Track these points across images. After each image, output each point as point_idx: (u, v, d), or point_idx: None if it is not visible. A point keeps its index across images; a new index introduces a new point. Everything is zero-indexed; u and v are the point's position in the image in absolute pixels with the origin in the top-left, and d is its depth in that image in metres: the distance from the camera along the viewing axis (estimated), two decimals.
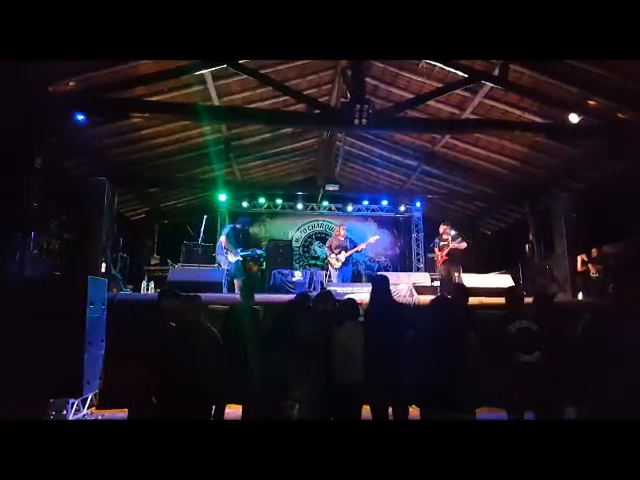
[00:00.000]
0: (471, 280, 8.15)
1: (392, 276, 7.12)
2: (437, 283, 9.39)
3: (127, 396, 4.64)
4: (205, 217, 10.25)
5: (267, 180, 13.84)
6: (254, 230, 14.08)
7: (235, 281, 9.01)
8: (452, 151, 10.93)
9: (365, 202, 13.88)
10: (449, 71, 7.83)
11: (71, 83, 6.47)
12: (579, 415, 4.00)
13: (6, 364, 4.18)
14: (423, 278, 9.42)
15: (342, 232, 10.22)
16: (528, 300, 4.64)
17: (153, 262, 11.50)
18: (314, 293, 6.25)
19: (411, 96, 8.84)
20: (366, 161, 12.99)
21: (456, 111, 9.11)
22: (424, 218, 14.18)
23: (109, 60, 6.28)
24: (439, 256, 9.59)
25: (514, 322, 4.15)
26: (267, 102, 9.09)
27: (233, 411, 4.59)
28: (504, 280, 8.40)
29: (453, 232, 9.51)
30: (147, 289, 9.57)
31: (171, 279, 7.90)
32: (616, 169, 8.90)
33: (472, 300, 6.97)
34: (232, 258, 9.08)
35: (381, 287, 4.49)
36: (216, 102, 8.46)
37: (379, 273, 5.86)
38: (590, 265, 9.19)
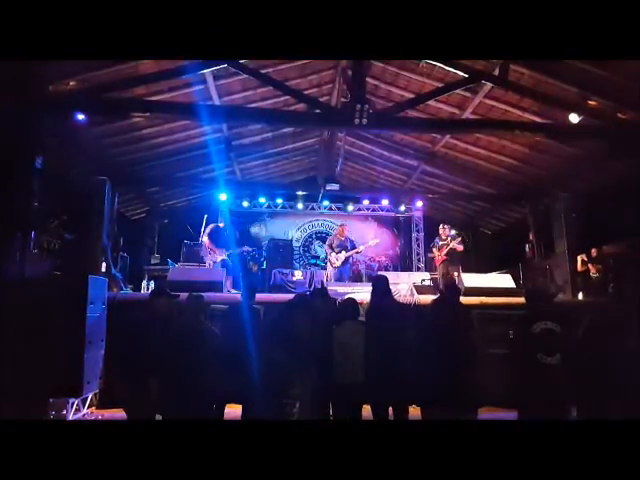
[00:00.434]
0: (471, 280, 8.15)
1: (392, 276, 7.15)
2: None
3: (127, 396, 4.65)
4: (206, 216, 10.24)
5: (267, 179, 13.85)
6: (254, 229, 14.10)
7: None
8: (452, 151, 10.92)
9: (365, 202, 13.88)
10: (449, 71, 7.84)
11: (72, 83, 6.47)
12: (581, 415, 4.00)
13: (6, 363, 4.18)
14: (423, 278, 9.42)
15: (345, 232, 10.24)
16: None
17: (153, 261, 11.48)
18: None
19: (411, 96, 8.83)
20: (366, 161, 12.99)
21: (456, 111, 9.11)
22: (424, 218, 14.19)
23: (110, 60, 6.28)
24: (438, 256, 9.61)
25: (538, 323, 4.06)
26: (268, 102, 9.09)
27: (233, 411, 4.59)
28: (504, 280, 8.41)
29: (453, 232, 9.53)
30: (147, 289, 9.57)
31: (171, 278, 7.89)
32: (616, 169, 8.89)
33: (473, 300, 7.02)
34: (218, 257, 9.12)
35: (381, 287, 4.49)
36: (217, 102, 8.46)
37: (379, 273, 5.88)
38: (590, 265, 9.20)
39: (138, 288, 9.76)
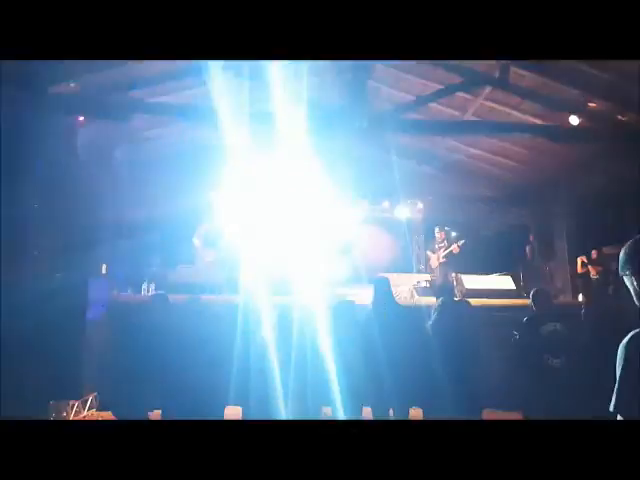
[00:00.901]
0: (472, 281, 8.15)
1: (392, 277, 7.13)
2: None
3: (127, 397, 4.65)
4: (213, 220, 10.23)
5: None
6: None
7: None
8: (453, 153, 10.93)
9: (366, 203, 13.83)
10: (450, 73, 7.86)
11: (72, 84, 6.49)
12: (585, 416, 3.99)
13: (7, 365, 4.18)
14: (424, 280, 9.43)
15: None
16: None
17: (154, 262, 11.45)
18: None
19: (412, 98, 8.85)
20: (367, 163, 12.97)
21: (457, 113, 9.11)
22: (425, 220, 14.16)
23: (111, 61, 6.29)
24: (435, 258, 9.63)
25: (546, 324, 4.07)
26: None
27: (233, 411, 4.59)
28: (505, 282, 8.41)
29: (453, 234, 9.54)
30: (147, 290, 9.56)
31: (172, 280, 7.90)
32: (616, 171, 8.90)
33: (473, 302, 7.01)
34: (209, 257, 9.15)
35: (383, 288, 4.50)
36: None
37: (380, 275, 5.88)
38: (590, 267, 9.19)
39: (138, 289, 9.74)
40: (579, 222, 9.77)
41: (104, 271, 8.46)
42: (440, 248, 9.55)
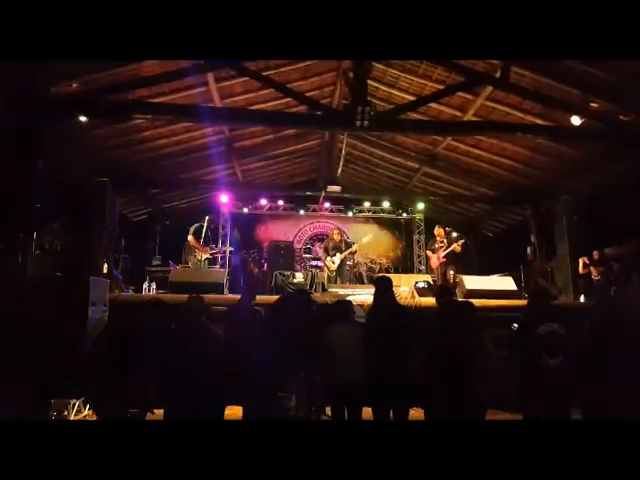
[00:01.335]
0: (473, 282, 8.14)
1: (393, 278, 7.11)
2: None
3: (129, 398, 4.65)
4: (207, 218, 10.24)
5: (269, 181, 13.84)
6: (255, 231, 14.10)
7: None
8: (453, 153, 10.92)
9: (367, 204, 13.86)
10: (450, 73, 7.85)
11: (74, 84, 6.49)
12: (585, 416, 3.99)
13: (8, 364, 4.18)
14: (424, 280, 9.41)
15: (336, 236, 10.46)
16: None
17: (155, 263, 11.45)
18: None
19: (412, 98, 8.85)
20: (368, 163, 13.00)
21: (458, 113, 9.10)
22: (426, 220, 14.16)
23: (112, 61, 6.29)
24: (435, 258, 9.62)
25: (544, 325, 4.04)
26: (269, 104, 9.09)
27: (233, 411, 4.59)
28: (506, 282, 8.40)
29: (455, 234, 9.53)
30: (149, 290, 9.57)
31: (172, 280, 7.91)
32: (618, 171, 8.90)
33: (474, 302, 6.99)
34: (202, 256, 9.14)
35: (385, 288, 4.49)
36: (218, 104, 8.47)
37: (382, 274, 5.89)
38: (592, 267, 9.18)
39: (140, 289, 9.76)
40: (581, 222, 9.76)
41: (105, 270, 8.45)
42: (440, 248, 9.54)
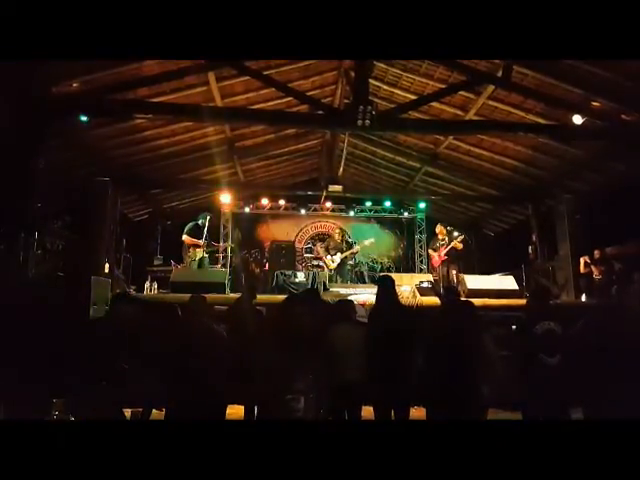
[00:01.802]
0: (474, 281, 8.14)
1: (395, 277, 7.11)
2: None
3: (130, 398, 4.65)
4: (208, 217, 10.26)
5: (270, 181, 13.84)
6: (257, 231, 14.11)
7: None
8: (455, 152, 10.90)
9: (368, 203, 13.86)
10: (452, 72, 7.84)
11: (75, 84, 6.50)
12: (585, 416, 3.98)
13: (9, 364, 4.18)
14: (426, 280, 9.41)
15: (337, 236, 10.50)
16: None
17: (156, 262, 11.47)
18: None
19: (414, 97, 8.84)
20: (369, 162, 12.99)
21: (459, 112, 9.09)
22: (427, 219, 14.16)
23: (112, 61, 6.29)
24: (436, 256, 9.61)
25: (541, 323, 4.05)
26: (270, 103, 9.09)
27: (234, 411, 4.59)
28: (507, 281, 8.39)
29: (456, 233, 9.52)
30: (150, 289, 9.58)
31: (174, 279, 7.92)
32: (619, 170, 8.88)
33: (475, 302, 6.99)
34: (198, 254, 9.16)
35: (387, 287, 4.48)
36: (219, 103, 8.47)
37: (384, 274, 5.89)
38: (593, 267, 9.16)
39: (141, 289, 9.77)
40: (582, 222, 9.74)
41: (106, 270, 8.46)
42: (442, 246, 9.54)
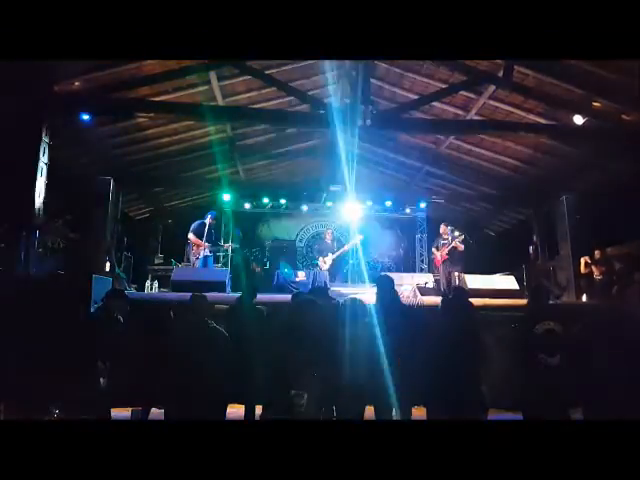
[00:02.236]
0: (475, 281, 8.13)
1: (395, 277, 7.12)
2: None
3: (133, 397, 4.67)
4: (209, 215, 10.27)
5: (271, 180, 13.84)
6: (258, 230, 14.11)
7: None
8: (456, 152, 10.91)
9: (369, 203, 13.83)
10: (453, 72, 7.84)
11: (76, 83, 6.51)
12: (585, 416, 3.99)
13: (9, 362, 4.19)
14: (426, 279, 9.41)
15: (329, 236, 10.59)
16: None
17: (157, 261, 11.49)
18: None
19: (415, 97, 8.84)
20: (370, 162, 12.98)
21: (460, 112, 9.09)
22: (428, 219, 14.13)
23: (114, 60, 6.30)
24: (439, 256, 9.61)
25: (541, 323, 4.04)
26: (272, 102, 9.10)
27: (234, 411, 4.59)
28: (508, 281, 8.38)
29: (457, 233, 9.51)
30: (151, 288, 9.60)
31: (175, 278, 7.92)
32: (620, 170, 8.87)
33: (476, 301, 7.00)
34: (200, 253, 9.19)
35: (386, 287, 4.48)
36: (221, 102, 8.48)
37: (384, 273, 5.88)
38: (593, 267, 9.16)
39: (142, 288, 9.79)
40: (583, 222, 9.74)
41: (107, 269, 8.48)
42: (445, 245, 9.55)
